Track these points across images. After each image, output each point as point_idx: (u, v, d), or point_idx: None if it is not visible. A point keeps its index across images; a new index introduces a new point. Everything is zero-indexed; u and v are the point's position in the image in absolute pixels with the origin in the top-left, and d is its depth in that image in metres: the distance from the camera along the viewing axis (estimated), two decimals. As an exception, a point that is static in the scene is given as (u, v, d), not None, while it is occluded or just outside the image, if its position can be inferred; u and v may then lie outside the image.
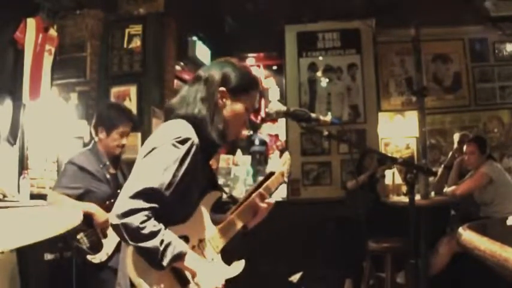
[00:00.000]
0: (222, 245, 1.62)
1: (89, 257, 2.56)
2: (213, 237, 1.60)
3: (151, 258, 1.40)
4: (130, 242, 1.38)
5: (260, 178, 2.32)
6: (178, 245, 1.43)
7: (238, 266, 1.67)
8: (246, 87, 1.65)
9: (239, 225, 1.66)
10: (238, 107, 1.63)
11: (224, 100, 1.62)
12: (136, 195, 1.38)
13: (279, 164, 1.86)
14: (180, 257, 1.42)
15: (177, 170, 1.45)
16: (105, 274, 2.58)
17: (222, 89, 1.61)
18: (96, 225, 2.58)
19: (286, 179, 1.83)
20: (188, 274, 1.49)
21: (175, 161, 1.46)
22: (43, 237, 1.28)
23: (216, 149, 1.69)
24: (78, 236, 2.57)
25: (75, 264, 2.68)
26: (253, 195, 1.71)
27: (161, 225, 1.41)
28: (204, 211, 1.61)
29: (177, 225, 1.51)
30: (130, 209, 1.36)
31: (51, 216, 1.62)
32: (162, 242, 1.38)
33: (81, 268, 2.67)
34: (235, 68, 1.65)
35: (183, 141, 1.48)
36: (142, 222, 1.36)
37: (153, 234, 1.37)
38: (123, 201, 1.38)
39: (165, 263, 1.39)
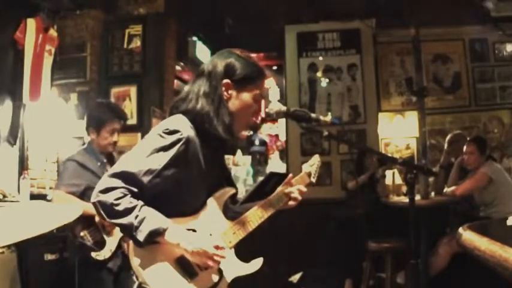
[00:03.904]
0: (235, 240, 1.59)
1: (93, 254, 2.57)
2: (225, 232, 1.58)
3: (129, 235, 1.41)
4: (107, 219, 1.40)
5: (260, 178, 2.32)
6: (156, 221, 1.41)
7: (256, 264, 1.63)
8: (252, 77, 1.58)
9: (256, 222, 1.63)
10: (246, 98, 1.57)
11: (229, 92, 1.56)
12: (114, 176, 1.42)
13: (306, 164, 1.84)
14: (158, 232, 1.40)
15: (159, 158, 1.45)
16: (105, 274, 2.60)
17: (226, 81, 1.55)
18: (98, 223, 2.60)
19: (314, 180, 1.82)
20: (195, 266, 1.48)
21: (158, 149, 1.46)
22: (41, 232, 1.28)
23: (225, 145, 1.62)
24: (82, 234, 2.58)
25: (77, 264, 2.68)
26: (278, 192, 1.68)
27: (139, 202, 1.41)
28: (215, 206, 1.59)
29: (184, 218, 1.52)
30: (107, 187, 1.40)
31: (48, 211, 1.62)
32: (136, 217, 1.39)
33: (81, 268, 2.67)
34: (239, 58, 1.58)
35: (170, 133, 1.47)
36: (116, 199, 1.39)
37: (127, 211, 1.39)
38: (102, 180, 1.43)
39: (140, 238, 1.38)
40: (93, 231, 2.61)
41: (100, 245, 2.60)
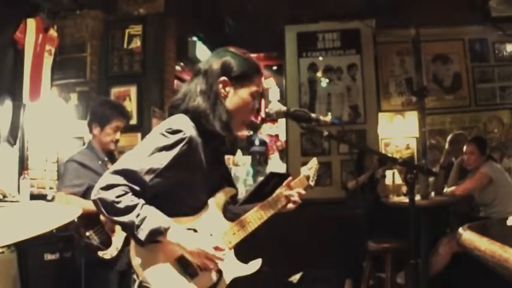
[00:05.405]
0: (235, 241, 1.59)
1: (100, 253, 2.56)
2: (226, 232, 1.58)
3: (130, 233, 1.40)
4: (107, 216, 1.39)
5: (260, 178, 2.31)
6: (158, 220, 1.41)
7: (255, 265, 1.63)
8: (249, 74, 1.59)
9: (256, 223, 1.64)
10: (243, 95, 1.58)
11: (227, 90, 1.57)
12: (116, 173, 1.41)
13: (305, 167, 1.86)
14: (159, 231, 1.40)
15: (161, 157, 1.45)
16: (113, 275, 2.59)
17: (223, 78, 1.56)
18: (102, 221, 2.59)
19: (312, 183, 1.83)
20: (196, 266, 1.48)
21: (161, 148, 1.45)
22: (41, 232, 1.28)
23: (224, 144, 1.60)
24: (88, 233, 2.57)
25: (83, 264, 2.67)
26: (277, 194, 1.69)
27: (140, 200, 1.41)
28: (216, 206, 1.60)
29: (185, 217, 1.52)
30: (108, 184, 1.39)
31: (48, 211, 1.62)
32: (138, 215, 1.38)
33: (88, 268, 2.66)
34: (235, 56, 1.60)
35: (172, 132, 1.47)
36: (118, 197, 1.38)
37: (129, 209, 1.38)
38: (104, 177, 1.41)
39: (142, 236, 1.38)
40: (98, 230, 2.60)
41: (106, 243, 2.59)
